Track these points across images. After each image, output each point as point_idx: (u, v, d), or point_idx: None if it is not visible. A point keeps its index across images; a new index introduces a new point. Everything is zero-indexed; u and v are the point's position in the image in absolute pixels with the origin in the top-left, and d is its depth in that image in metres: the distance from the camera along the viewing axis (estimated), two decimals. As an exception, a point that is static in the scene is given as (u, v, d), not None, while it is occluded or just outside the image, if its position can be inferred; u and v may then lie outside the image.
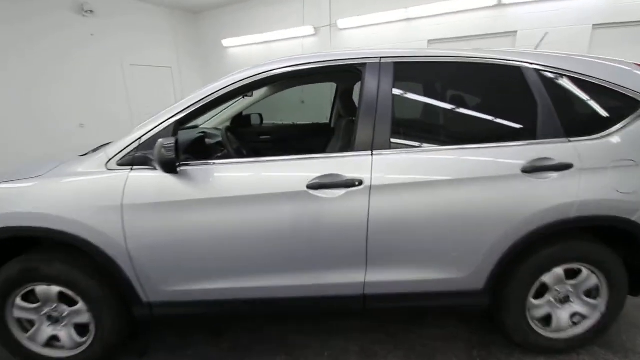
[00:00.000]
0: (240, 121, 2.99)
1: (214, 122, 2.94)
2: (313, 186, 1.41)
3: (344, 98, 2.51)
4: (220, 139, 2.20)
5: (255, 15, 6.53)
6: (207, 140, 2.10)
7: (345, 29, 5.59)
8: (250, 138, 2.93)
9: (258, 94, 2.85)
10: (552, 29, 4.12)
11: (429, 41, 4.91)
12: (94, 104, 5.81)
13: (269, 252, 1.46)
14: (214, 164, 1.48)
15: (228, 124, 2.94)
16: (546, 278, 1.56)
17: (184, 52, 7.20)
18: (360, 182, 1.40)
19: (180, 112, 1.48)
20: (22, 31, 4.94)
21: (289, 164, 1.46)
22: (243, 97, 2.41)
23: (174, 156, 1.29)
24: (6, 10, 4.77)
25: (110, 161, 1.46)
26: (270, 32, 6.24)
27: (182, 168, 1.43)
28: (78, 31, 5.57)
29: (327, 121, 3.20)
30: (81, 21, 5.60)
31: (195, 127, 2.79)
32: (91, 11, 5.62)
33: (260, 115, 3.16)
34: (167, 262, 1.46)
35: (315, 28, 5.87)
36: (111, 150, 1.47)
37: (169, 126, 1.45)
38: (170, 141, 1.30)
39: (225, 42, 6.86)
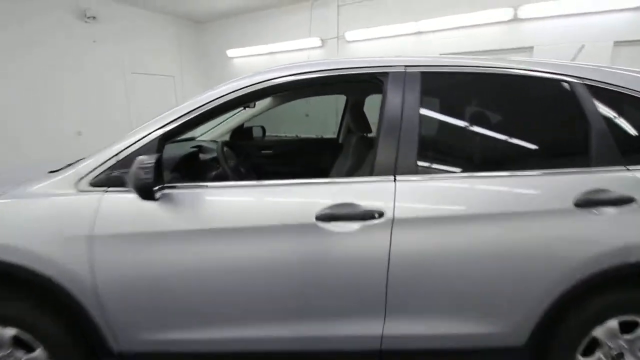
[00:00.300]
0: (241, 134, 2.76)
1: (213, 133, 2.72)
2: (323, 217, 1.16)
3: (354, 111, 2.29)
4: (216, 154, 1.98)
5: (261, 26, 6.42)
6: (202, 156, 1.86)
7: (353, 41, 5.44)
8: (251, 153, 2.71)
9: (262, 104, 2.64)
10: (571, 45, 3.94)
11: (440, 55, 4.73)
12: (93, 111, 5.63)
13: (268, 296, 1.21)
14: (205, 186, 1.24)
15: (228, 136, 2.72)
16: (598, 332, 1.30)
17: (188, 61, 7.07)
18: (381, 214, 1.16)
19: (168, 124, 1.25)
20: (22, 35, 4.80)
21: (294, 189, 1.22)
22: (244, 109, 2.20)
23: (151, 179, 1.05)
24: (4, 12, 4.64)
25: (82, 180, 1.22)
26: (275, 43, 6.10)
27: (167, 191, 1.19)
28: (79, 37, 5.43)
29: (334, 136, 2.98)
30: (83, 27, 5.47)
31: (192, 139, 2.57)
32: (94, 17, 5.49)
33: (263, 128, 2.93)
34: (144, 305, 1.21)
35: (322, 40, 5.72)
36: (83, 168, 1.23)
37: (153, 140, 1.22)
38: (149, 160, 1.06)
39: (230, 53, 6.74)
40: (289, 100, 2.65)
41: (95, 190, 1.20)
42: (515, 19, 4.24)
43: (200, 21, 7.10)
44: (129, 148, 1.22)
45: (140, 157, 1.08)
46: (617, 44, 3.85)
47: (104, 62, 5.72)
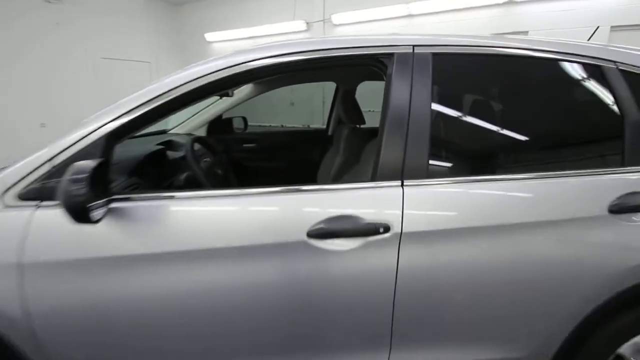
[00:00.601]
0: (219, 126, 2.48)
1: (189, 125, 2.43)
2: (316, 234, 0.94)
3: (345, 101, 2.06)
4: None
5: (242, 8, 6.02)
6: (171, 154, 1.58)
7: (340, 24, 5.14)
8: (231, 148, 2.44)
9: (242, 93, 2.37)
10: (567, 29, 3.79)
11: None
12: (58, 100, 5.17)
13: (250, 331, 0.99)
14: (171, 197, 0.99)
15: (205, 128, 2.44)
16: (623, 349, 1.16)
17: (164, 45, 6.61)
18: (386, 228, 0.95)
19: (119, 117, 0.98)
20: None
21: (279, 198, 0.99)
22: (220, 98, 1.93)
23: (84, 196, 0.78)
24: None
25: (8, 192, 0.95)
26: (258, 26, 5.73)
27: (118, 205, 0.94)
28: (41, 19, 4.93)
29: (323, 127, 2.74)
30: (45, 8, 4.97)
31: (162, 132, 2.28)
32: (56, -3, 5.00)
33: (244, 119, 2.65)
34: (97, 346, 0.97)
35: (307, 23, 5.40)
36: (9, 176, 0.96)
37: (99, 139, 0.96)
38: (84, 168, 0.80)
39: (209, 36, 6.32)
40: (271, 88, 2.38)
41: (24, 205, 0.94)
42: (510, 2, 4.06)
43: (176, 2, 6.62)
44: (68, 150, 0.95)
45: (76, 164, 0.82)
46: (614, 28, 3.72)
47: (70, 47, 5.24)
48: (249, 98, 2.38)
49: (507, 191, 1.02)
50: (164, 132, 2.29)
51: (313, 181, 2.31)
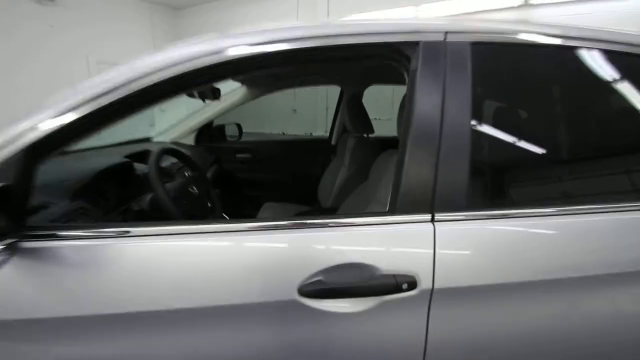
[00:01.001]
0: (209, 134, 2.22)
1: (177, 132, 2.17)
2: (311, 290, 0.67)
3: (351, 106, 1.80)
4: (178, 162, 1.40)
5: (243, 12, 5.86)
6: (140, 170, 1.29)
7: (344, 29, 4.94)
8: (222, 159, 2.17)
9: (237, 95, 2.11)
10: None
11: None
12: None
13: None
14: (125, 232, 0.70)
15: (193, 136, 2.18)
16: None
17: (164, 50, 6.45)
18: (412, 284, 0.67)
19: (50, 121, 0.73)
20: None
21: (260, 237, 0.71)
22: (204, 101, 1.68)
23: None
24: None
25: None
26: (259, 31, 5.55)
27: (37, 244, 0.66)
28: (34, 22, 4.77)
29: (326, 136, 2.47)
30: (38, 10, 4.80)
31: (146, 140, 2.03)
32: (51, -1, 4.84)
33: (239, 127, 2.37)
34: None
35: (310, 28, 5.20)
36: None
37: (17, 154, 0.70)
38: None
39: (209, 42, 6.15)
40: (269, 92, 2.13)
41: None
42: (526, 5, 3.82)
43: (176, 7, 6.48)
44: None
45: None
46: (638, 33, 3.46)
47: (64, 51, 5.05)
48: (243, 102, 2.13)
49: (589, 229, 0.73)
50: (147, 140, 2.04)
51: (313, 198, 2.04)
